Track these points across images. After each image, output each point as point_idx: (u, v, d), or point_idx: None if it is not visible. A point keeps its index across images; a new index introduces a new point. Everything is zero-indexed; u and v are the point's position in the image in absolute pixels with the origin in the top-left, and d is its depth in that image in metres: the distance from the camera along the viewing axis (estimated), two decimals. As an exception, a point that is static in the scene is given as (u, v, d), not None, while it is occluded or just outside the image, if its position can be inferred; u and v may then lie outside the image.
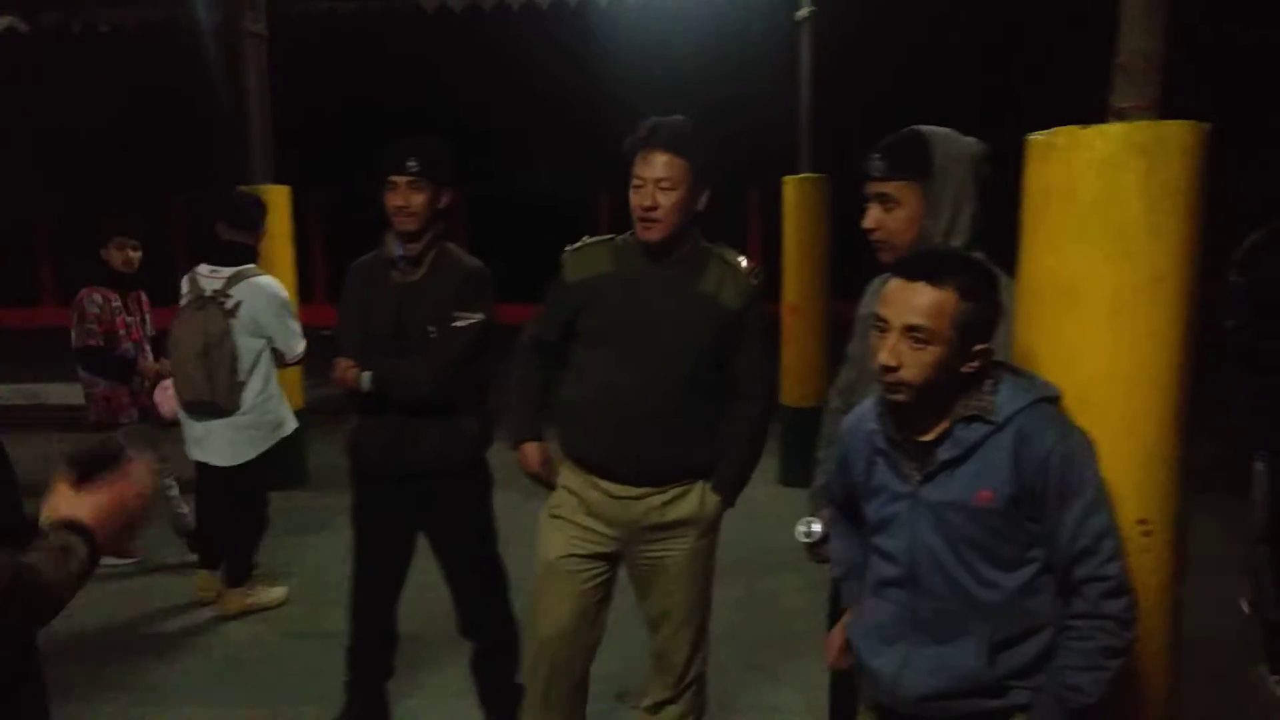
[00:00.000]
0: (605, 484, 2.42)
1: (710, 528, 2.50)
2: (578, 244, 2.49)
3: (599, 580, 2.50)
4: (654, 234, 2.31)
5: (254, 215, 4.14)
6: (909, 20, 8.75)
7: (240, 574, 4.19)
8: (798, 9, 5.70)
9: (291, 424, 4.22)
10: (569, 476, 2.50)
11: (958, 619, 1.70)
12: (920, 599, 1.74)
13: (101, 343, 4.30)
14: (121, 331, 4.34)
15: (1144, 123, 1.66)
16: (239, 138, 5.47)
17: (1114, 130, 1.66)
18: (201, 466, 4.14)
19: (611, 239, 2.46)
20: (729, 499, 2.50)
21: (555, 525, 2.50)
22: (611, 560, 2.50)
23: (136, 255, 4.40)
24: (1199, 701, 2.94)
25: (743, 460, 2.49)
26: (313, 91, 9.35)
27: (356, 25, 7.26)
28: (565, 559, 2.47)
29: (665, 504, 2.42)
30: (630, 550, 2.48)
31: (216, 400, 3.93)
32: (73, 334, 4.35)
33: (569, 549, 2.47)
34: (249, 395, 3.99)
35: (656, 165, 2.28)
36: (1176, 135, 1.64)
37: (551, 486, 2.55)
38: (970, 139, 2.04)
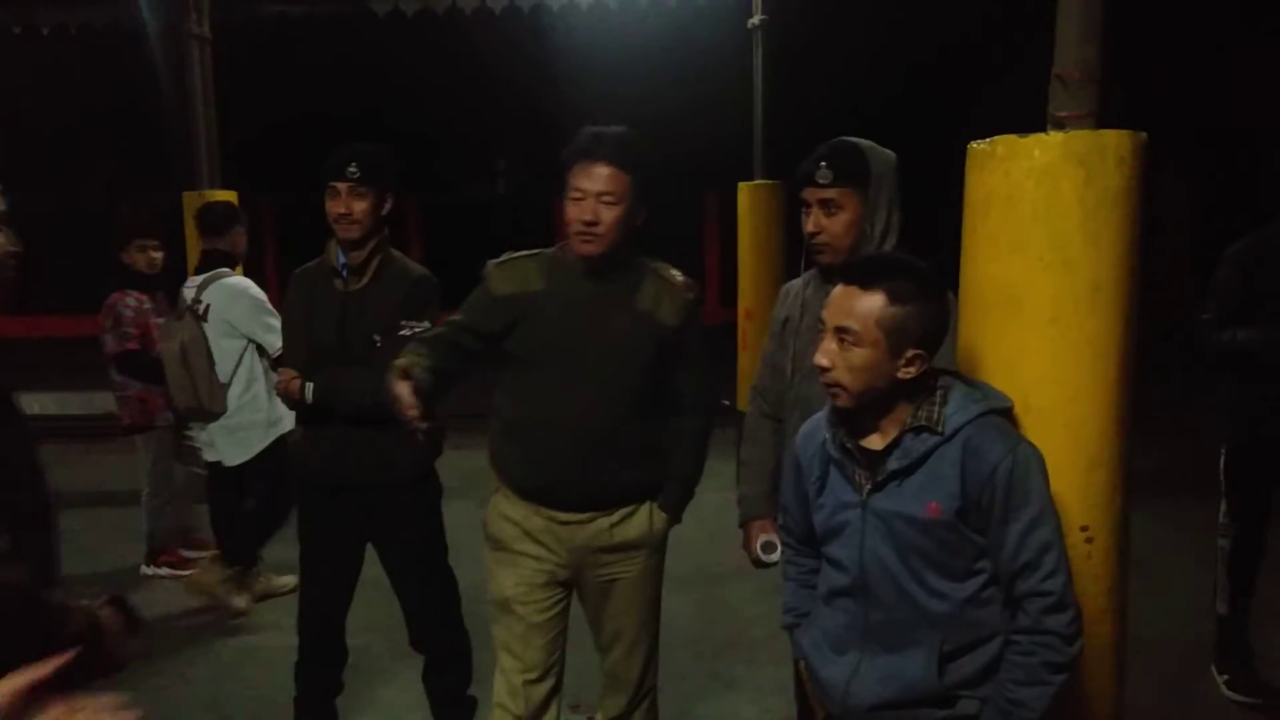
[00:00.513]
0: (549, 511, 2.33)
1: (660, 546, 2.44)
2: (502, 258, 2.36)
3: (557, 609, 2.42)
4: (593, 249, 2.20)
5: (223, 221, 4.20)
6: (861, 29, 8.84)
7: (244, 560, 4.25)
8: (751, 16, 5.72)
9: (289, 422, 4.20)
10: (507, 506, 2.39)
11: (907, 628, 1.70)
12: (870, 608, 1.74)
13: (138, 346, 4.36)
14: (155, 334, 4.35)
15: (1082, 132, 1.67)
16: (185, 142, 5.37)
17: (1052, 139, 1.68)
18: (213, 466, 4.30)
19: (540, 253, 2.34)
20: (676, 516, 2.45)
21: (501, 560, 2.40)
22: (565, 585, 2.42)
23: (159, 256, 4.49)
24: (1147, 705, 3.01)
25: (688, 476, 2.44)
26: (263, 96, 9.21)
27: (307, 29, 7.15)
28: (519, 592, 2.37)
29: (613, 526, 2.35)
30: (580, 573, 2.40)
31: (203, 404, 4.01)
32: (108, 339, 4.40)
33: (521, 582, 2.37)
34: (233, 396, 4.07)
35: (599, 178, 2.18)
36: (1114, 144, 1.66)
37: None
38: (887, 150, 2.21)
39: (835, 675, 1.78)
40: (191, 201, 5.25)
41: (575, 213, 2.19)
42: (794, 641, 1.94)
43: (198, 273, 4.16)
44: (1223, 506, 3.40)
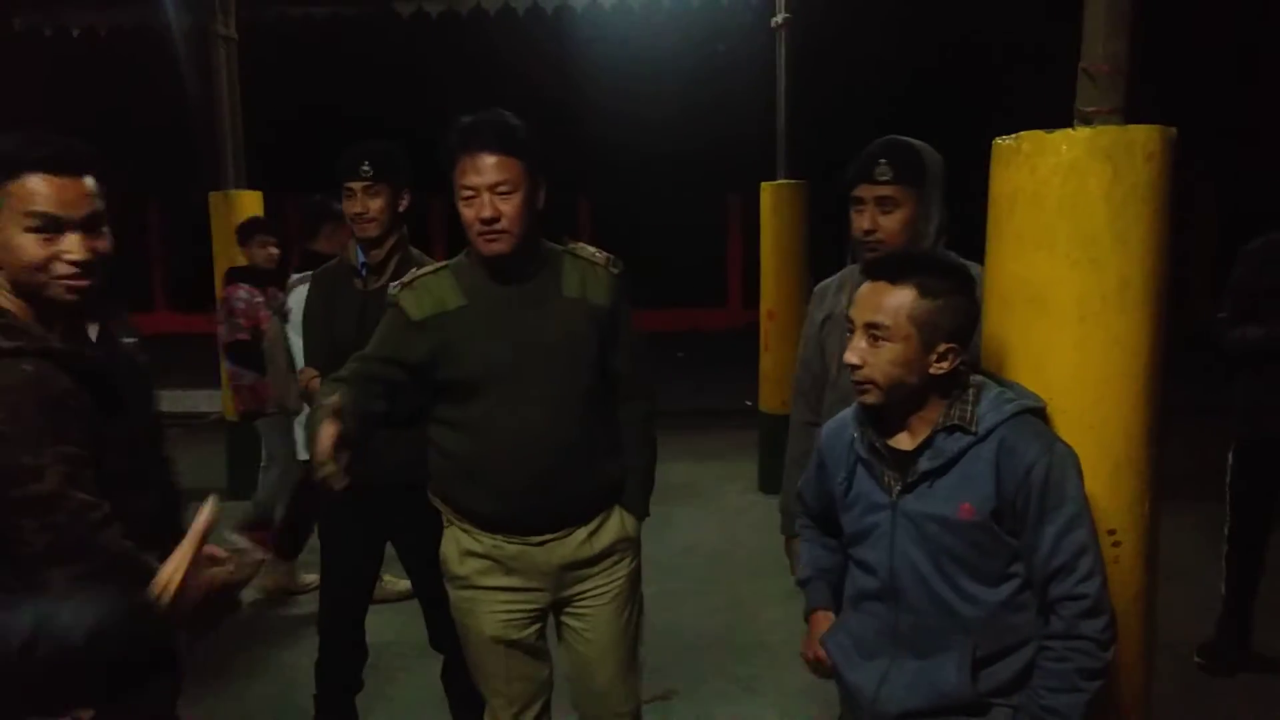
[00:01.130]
0: (519, 538, 2.14)
1: (636, 548, 2.29)
2: (408, 278, 2.15)
3: (539, 639, 2.25)
4: (501, 246, 2.00)
5: (313, 221, 4.26)
6: (884, 26, 8.78)
7: (293, 553, 4.43)
8: (774, 15, 5.70)
9: None
10: (469, 541, 2.18)
11: (939, 634, 1.66)
12: (901, 613, 1.70)
13: (249, 336, 4.51)
14: (265, 326, 4.45)
15: (1109, 127, 1.64)
16: (211, 142, 5.42)
17: (1079, 135, 1.64)
18: (305, 464, 4.37)
19: (447, 266, 2.15)
20: (642, 510, 2.30)
21: (473, 598, 2.19)
22: (546, 613, 2.25)
23: (276, 252, 4.72)
24: (1174, 711, 2.96)
25: (645, 467, 2.28)
26: (288, 97, 9.29)
27: (332, 31, 7.20)
28: (502, 630, 2.19)
29: (590, 536, 2.18)
30: (564, 595, 2.21)
31: (285, 403, 4.10)
32: (222, 330, 4.61)
33: (501, 618, 2.18)
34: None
35: (488, 170, 1.98)
36: (1142, 139, 1.63)
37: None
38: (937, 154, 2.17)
39: (863, 681, 1.75)
40: (217, 201, 5.30)
41: (471, 213, 2.00)
42: (807, 596, 1.94)
43: (297, 272, 4.23)
44: (1227, 503, 3.44)
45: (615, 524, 2.22)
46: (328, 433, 1.83)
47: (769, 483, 5.64)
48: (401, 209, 2.77)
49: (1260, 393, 3.29)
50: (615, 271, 2.18)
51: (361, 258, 2.78)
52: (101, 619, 1.31)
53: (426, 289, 2.11)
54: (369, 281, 2.78)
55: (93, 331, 1.82)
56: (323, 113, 10.13)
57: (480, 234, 2.01)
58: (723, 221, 13.56)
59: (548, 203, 2.09)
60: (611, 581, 2.24)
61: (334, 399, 1.93)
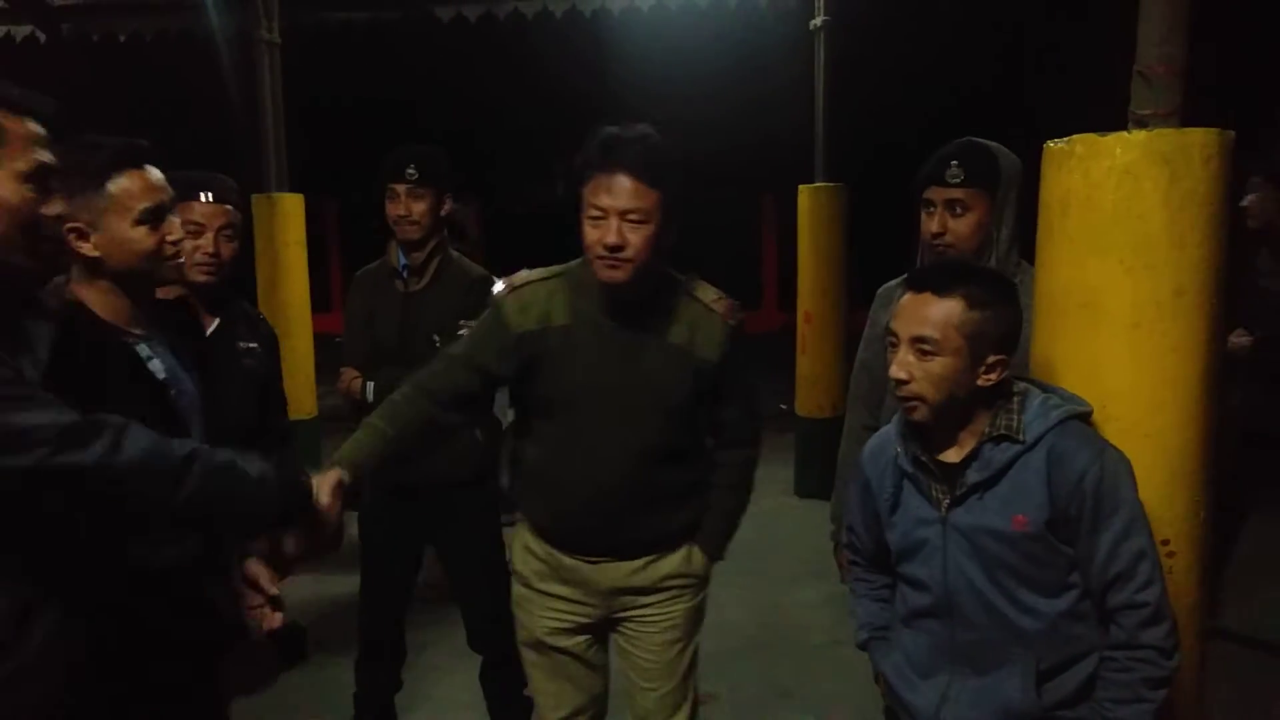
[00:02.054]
0: (575, 553, 2.10)
1: (702, 584, 2.19)
2: (518, 282, 2.04)
3: (590, 651, 2.20)
4: (620, 275, 1.88)
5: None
6: (924, 28, 8.70)
7: None
8: (813, 18, 5.67)
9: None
10: (533, 542, 2.15)
11: (999, 648, 1.63)
12: (958, 628, 1.67)
13: None
14: None
15: (1166, 130, 1.61)
16: (254, 146, 5.48)
17: (1135, 138, 1.61)
18: None
19: (559, 275, 2.03)
20: (717, 555, 2.20)
21: (529, 597, 2.18)
22: (599, 628, 2.20)
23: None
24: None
25: (729, 512, 2.19)
26: (328, 101, 9.38)
27: (372, 35, 7.27)
28: (550, 635, 2.16)
29: (648, 564, 2.10)
30: (615, 616, 2.17)
31: None
32: None
33: (550, 624, 2.15)
34: None
35: (622, 194, 1.84)
36: (1200, 143, 1.60)
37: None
38: (1014, 155, 2.09)
39: (922, 700, 1.72)
40: (260, 204, 5.36)
41: (596, 235, 1.87)
42: (873, 658, 1.87)
43: None
44: None
45: (679, 558, 2.12)
46: (330, 489, 1.79)
47: (804, 487, 5.59)
48: (444, 213, 2.80)
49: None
50: (732, 324, 2.01)
51: (403, 260, 2.81)
52: (266, 470, 1.54)
53: (534, 299, 2.00)
54: (410, 283, 2.81)
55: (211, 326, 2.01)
56: (362, 116, 10.22)
57: (600, 258, 1.87)
58: (757, 223, 13.51)
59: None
60: (665, 615, 2.15)
61: (348, 453, 1.93)
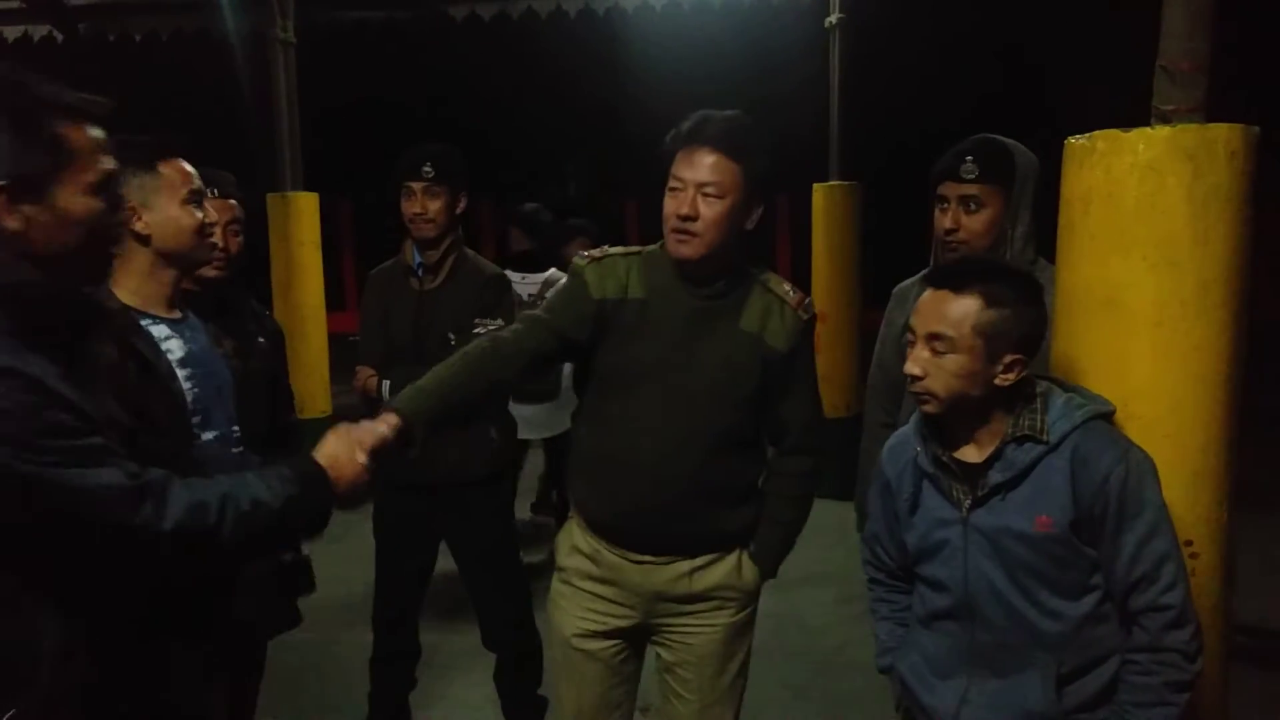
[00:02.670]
0: (621, 550, 2.03)
1: (750, 599, 2.09)
2: (598, 254, 2.03)
3: (619, 658, 2.11)
4: (689, 250, 1.88)
5: (541, 225, 4.67)
6: (939, 26, 8.66)
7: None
8: (827, 15, 5.65)
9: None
10: (579, 537, 2.09)
11: (1020, 651, 1.62)
12: (978, 630, 1.66)
13: None
14: None
15: (1189, 126, 1.59)
16: (269, 145, 5.50)
17: (1158, 134, 1.60)
18: (547, 441, 4.70)
19: (638, 252, 2.03)
20: (770, 570, 2.11)
21: (566, 595, 2.12)
22: (634, 635, 2.11)
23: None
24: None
25: (788, 524, 2.10)
26: (343, 100, 9.41)
27: (386, 34, 7.28)
28: (580, 638, 2.09)
29: (695, 571, 2.02)
30: (654, 623, 2.08)
31: (544, 388, 4.29)
32: None
33: (583, 625, 2.08)
34: (564, 379, 4.31)
35: (702, 167, 1.85)
36: (1224, 139, 1.58)
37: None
38: (1031, 153, 2.07)
39: (941, 702, 1.70)
40: (275, 203, 5.38)
41: (672, 205, 1.88)
42: (894, 682, 1.84)
43: (522, 270, 4.42)
44: None
45: (728, 568, 2.04)
46: (386, 426, 1.74)
47: (819, 486, 5.58)
48: (459, 211, 2.80)
49: None
50: (805, 317, 1.99)
51: (418, 258, 2.81)
52: (288, 488, 1.48)
53: (614, 270, 1.99)
54: (425, 282, 2.81)
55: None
56: (375, 115, 10.25)
57: (673, 229, 1.88)
58: (770, 222, 13.50)
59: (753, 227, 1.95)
60: (708, 626, 2.06)
61: (406, 403, 1.85)
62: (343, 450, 1.60)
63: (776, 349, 1.96)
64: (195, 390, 1.86)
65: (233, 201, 2.38)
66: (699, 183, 1.86)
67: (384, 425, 1.75)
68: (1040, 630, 1.60)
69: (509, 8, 6.70)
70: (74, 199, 1.31)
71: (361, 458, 1.61)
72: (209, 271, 2.31)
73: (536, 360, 2.02)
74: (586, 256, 2.03)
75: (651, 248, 2.03)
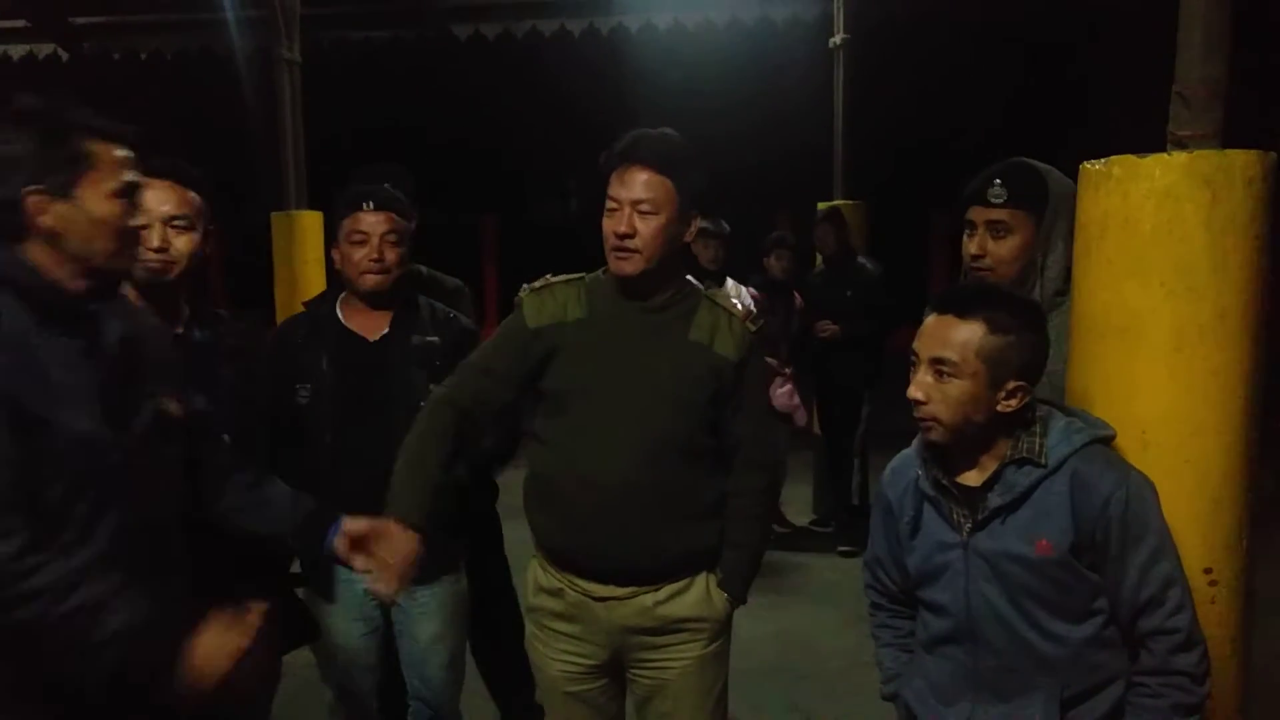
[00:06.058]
0: (583, 583, 1.98)
1: (721, 629, 2.04)
2: (538, 283, 2.03)
3: (607, 696, 2.09)
4: (630, 266, 1.89)
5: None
6: (943, 47, 8.70)
7: None
8: (832, 36, 5.67)
9: None
10: (542, 575, 2.05)
11: (1023, 675, 1.61)
12: (980, 655, 1.65)
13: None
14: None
15: (1208, 151, 1.59)
16: (274, 163, 5.51)
17: (1175, 160, 1.59)
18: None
19: (581, 278, 2.03)
20: (740, 595, 2.05)
21: (540, 638, 2.09)
22: (612, 668, 2.07)
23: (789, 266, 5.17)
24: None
25: (752, 545, 2.05)
26: (347, 119, 9.44)
27: (391, 53, 7.32)
28: (559, 678, 2.06)
29: (659, 604, 1.97)
30: (624, 659, 2.04)
31: None
32: None
33: (561, 668, 2.06)
34: None
35: (636, 185, 1.88)
36: (1242, 165, 1.57)
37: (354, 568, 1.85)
38: (1067, 179, 1.96)
39: None
40: (279, 221, 5.38)
41: (610, 225, 1.91)
42: (900, 708, 1.83)
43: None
44: None
45: (695, 598, 2.00)
46: (410, 545, 1.82)
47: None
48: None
49: None
50: (752, 329, 2.00)
51: None
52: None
53: (552, 296, 2.01)
54: None
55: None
56: (380, 133, 10.29)
57: (613, 249, 1.91)
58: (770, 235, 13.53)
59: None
60: (681, 660, 2.02)
61: (410, 510, 1.89)
62: (214, 647, 1.45)
63: (726, 357, 1.96)
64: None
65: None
66: (634, 200, 1.89)
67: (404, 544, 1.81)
68: (1042, 654, 1.59)
69: (513, 28, 6.75)
70: (99, 202, 1.50)
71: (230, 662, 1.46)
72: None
73: (486, 406, 2.02)
74: (529, 287, 2.05)
75: (595, 273, 2.04)
